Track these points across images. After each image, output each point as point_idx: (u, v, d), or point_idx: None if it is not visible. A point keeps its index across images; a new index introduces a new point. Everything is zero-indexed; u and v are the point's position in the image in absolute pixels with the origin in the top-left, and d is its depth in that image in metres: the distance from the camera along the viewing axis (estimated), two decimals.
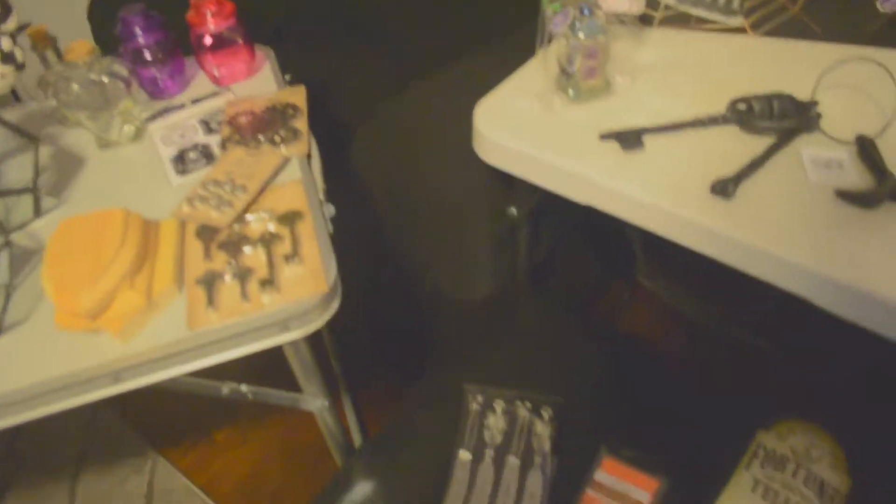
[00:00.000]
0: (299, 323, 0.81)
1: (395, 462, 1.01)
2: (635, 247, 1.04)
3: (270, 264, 0.85)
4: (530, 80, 1.05)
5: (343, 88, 1.32)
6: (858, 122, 0.91)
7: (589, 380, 1.06)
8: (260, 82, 1.21)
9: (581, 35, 0.95)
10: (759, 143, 0.90)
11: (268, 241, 0.88)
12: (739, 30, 1.10)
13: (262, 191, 0.94)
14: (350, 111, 1.25)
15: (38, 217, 0.98)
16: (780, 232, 0.80)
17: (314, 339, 0.90)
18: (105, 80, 1.04)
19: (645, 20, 1.10)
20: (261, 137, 1.00)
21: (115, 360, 0.81)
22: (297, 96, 1.09)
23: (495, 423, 1.01)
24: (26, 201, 0.97)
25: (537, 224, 1.14)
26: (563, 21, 0.96)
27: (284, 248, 0.87)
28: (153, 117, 1.12)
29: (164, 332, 0.82)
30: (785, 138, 0.91)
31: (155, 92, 1.20)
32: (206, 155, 1.04)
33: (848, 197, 0.82)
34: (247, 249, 0.88)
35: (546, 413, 1.01)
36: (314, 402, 0.96)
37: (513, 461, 0.98)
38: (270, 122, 1.03)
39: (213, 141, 1.06)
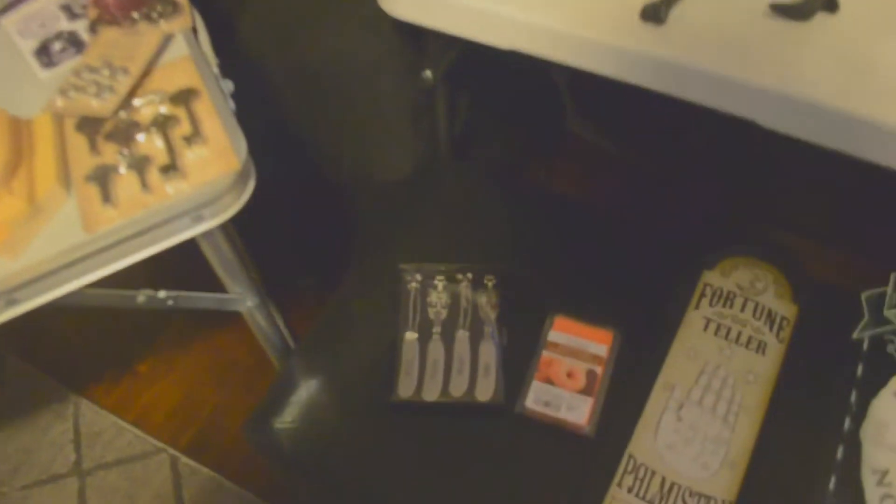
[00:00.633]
0: (213, 210, 0.71)
1: (338, 354, 0.94)
2: (562, 93, 0.97)
3: (170, 148, 0.74)
4: None
5: None
6: None
7: (528, 244, 1.00)
8: None
9: None
10: None
11: (162, 124, 0.77)
12: None
13: (146, 72, 0.82)
14: None
15: None
16: (717, 51, 0.75)
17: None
18: None
19: None
20: (135, 15, 0.86)
21: (5, 279, 0.69)
22: None
23: (437, 299, 0.95)
24: None
25: (455, 88, 1.05)
26: None
27: (183, 129, 0.76)
28: (4, 10, 0.96)
29: (59, 240, 0.71)
30: None
31: None
32: (75, 43, 0.90)
33: (781, 10, 0.77)
34: (140, 137, 0.76)
35: (489, 282, 0.95)
36: (242, 301, 0.87)
37: (462, 335, 0.92)
38: None
39: (80, 26, 0.91)
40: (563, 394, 0.85)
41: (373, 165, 1.09)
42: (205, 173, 0.72)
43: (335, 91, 1.03)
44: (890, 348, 0.87)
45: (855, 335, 0.88)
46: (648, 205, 0.98)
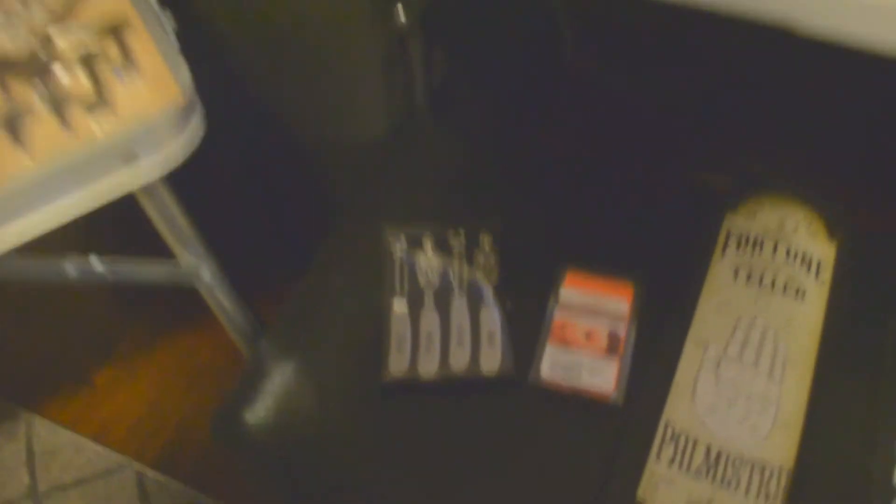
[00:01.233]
0: (149, 147, 0.56)
1: (316, 333, 0.80)
2: (561, 25, 0.84)
3: (96, 82, 0.59)
4: None
5: None
6: None
7: (527, 196, 0.87)
8: None
9: None
10: None
11: (88, 57, 0.62)
12: None
13: (67, 2, 0.67)
14: None
15: None
16: None
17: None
18: None
19: None
20: None
21: None
22: None
23: (427, 263, 0.81)
24: None
25: (431, 33, 0.92)
26: None
27: (113, 61, 0.61)
28: None
29: None
30: None
31: None
32: None
33: None
34: (59, 72, 0.61)
35: (485, 240, 0.82)
36: (197, 273, 0.72)
37: (459, 302, 0.78)
38: None
39: None
40: (583, 358, 0.72)
41: (342, 124, 0.95)
42: (139, 107, 0.57)
43: (295, 39, 0.88)
44: None
45: None
46: (660, 146, 0.86)
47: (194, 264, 0.70)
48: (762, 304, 0.77)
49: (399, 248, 0.82)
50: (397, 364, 0.74)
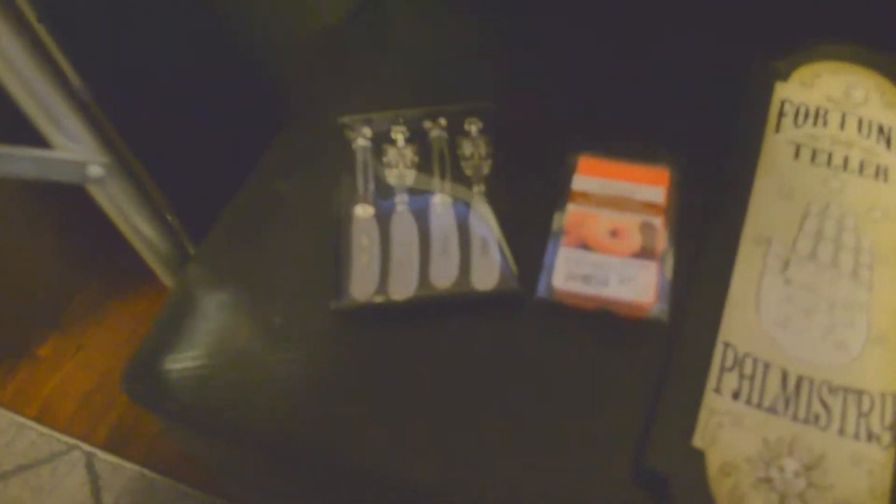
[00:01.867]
0: None
1: (259, 254, 0.60)
2: None
3: None
4: None
5: None
6: None
7: (522, 71, 0.67)
8: None
9: None
10: None
11: None
12: None
13: None
14: None
15: None
16: None
17: None
18: None
19: None
20: None
21: None
22: None
23: (398, 157, 0.61)
24: None
25: None
26: None
27: None
28: None
29: None
30: None
31: None
32: None
33: None
34: None
35: (473, 126, 0.62)
36: (83, 164, 0.51)
37: (441, 202, 0.58)
38: None
39: None
40: (610, 260, 0.52)
41: (295, 8, 0.74)
42: None
43: None
44: None
45: None
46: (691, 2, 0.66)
47: (78, 151, 0.50)
48: (835, 188, 0.58)
49: (362, 143, 0.62)
50: (362, 285, 0.55)
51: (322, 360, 0.54)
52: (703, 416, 0.49)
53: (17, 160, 0.46)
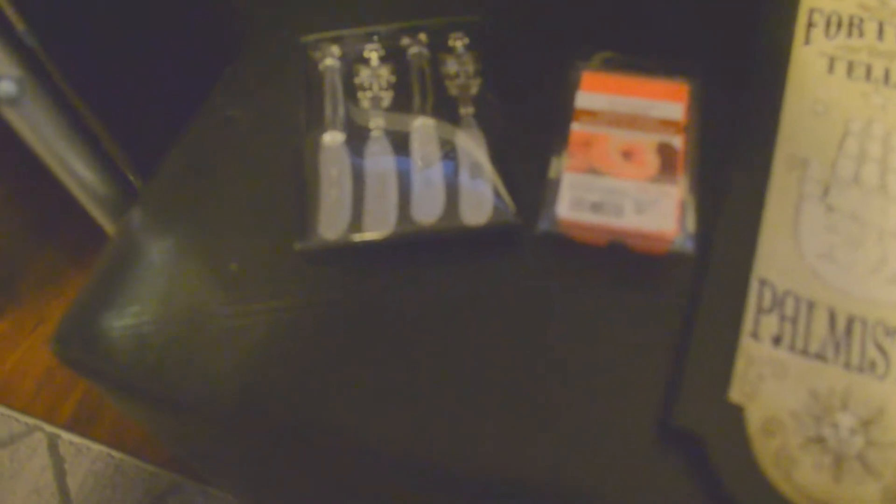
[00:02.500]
0: None
1: (214, 191, 0.51)
2: None
3: None
4: None
5: None
6: None
7: None
8: None
9: None
10: None
11: None
12: None
13: None
14: None
15: None
16: None
17: None
18: None
19: None
20: None
21: None
22: None
23: (373, 77, 0.52)
24: None
25: None
26: None
27: None
28: None
29: None
30: None
31: None
32: None
33: None
34: None
35: (459, 43, 0.53)
36: None
37: (423, 125, 0.49)
38: None
39: None
40: (624, 184, 0.43)
41: None
42: None
43: None
44: None
45: None
46: None
47: None
48: (876, 103, 0.50)
49: (330, 62, 0.53)
50: (331, 222, 0.45)
51: (286, 310, 0.45)
52: (740, 365, 0.40)
53: None
